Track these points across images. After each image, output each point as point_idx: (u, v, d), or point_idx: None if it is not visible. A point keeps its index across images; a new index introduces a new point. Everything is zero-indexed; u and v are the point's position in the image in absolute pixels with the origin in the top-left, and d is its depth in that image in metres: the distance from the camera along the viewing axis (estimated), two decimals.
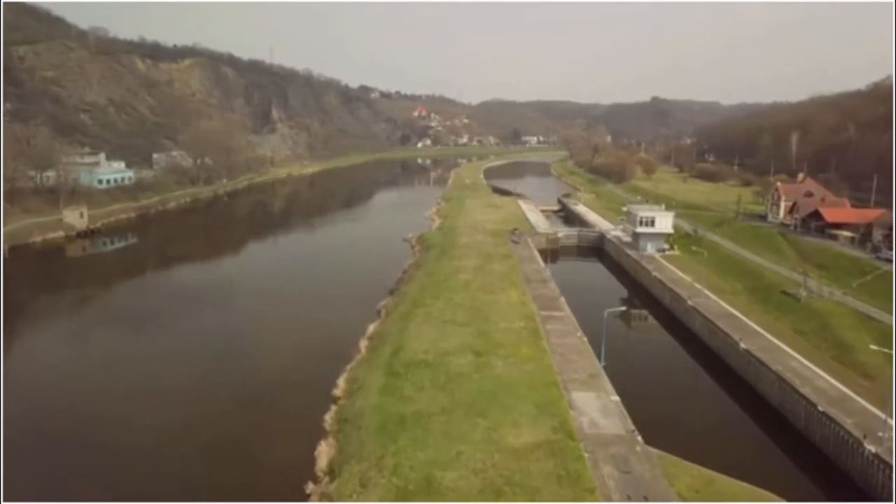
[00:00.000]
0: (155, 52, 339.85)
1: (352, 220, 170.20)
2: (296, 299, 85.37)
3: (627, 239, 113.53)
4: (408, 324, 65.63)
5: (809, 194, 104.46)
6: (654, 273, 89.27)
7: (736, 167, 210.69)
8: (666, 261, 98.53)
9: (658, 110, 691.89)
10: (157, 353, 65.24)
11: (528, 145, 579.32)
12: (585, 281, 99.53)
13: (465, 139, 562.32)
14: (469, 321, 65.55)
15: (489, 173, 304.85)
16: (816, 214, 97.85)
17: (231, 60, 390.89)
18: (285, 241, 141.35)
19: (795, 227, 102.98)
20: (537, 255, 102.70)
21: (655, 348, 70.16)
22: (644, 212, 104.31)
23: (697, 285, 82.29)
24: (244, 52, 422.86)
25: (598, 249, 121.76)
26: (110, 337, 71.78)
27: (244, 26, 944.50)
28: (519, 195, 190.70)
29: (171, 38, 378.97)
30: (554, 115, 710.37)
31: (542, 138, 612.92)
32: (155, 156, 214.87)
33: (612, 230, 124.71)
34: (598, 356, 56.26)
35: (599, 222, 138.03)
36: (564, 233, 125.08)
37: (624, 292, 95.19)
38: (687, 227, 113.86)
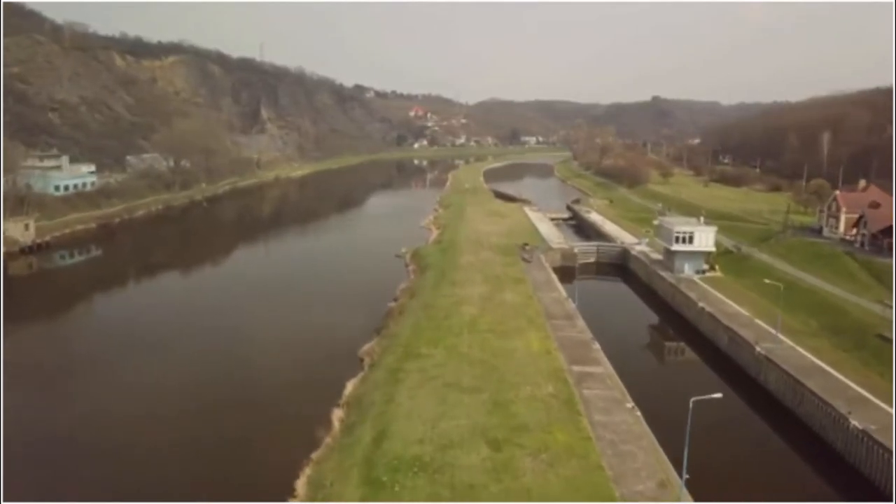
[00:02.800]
0: (137, 48, 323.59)
1: (340, 229, 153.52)
2: (260, 341, 68.63)
3: (657, 256, 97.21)
4: (397, 387, 49.09)
5: (876, 205, 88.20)
6: (701, 304, 72.82)
7: (757, 170, 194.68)
8: (709, 285, 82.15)
9: (659, 110, 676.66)
10: (51, 423, 48.54)
11: (527, 146, 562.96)
12: (612, 310, 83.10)
13: (462, 139, 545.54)
14: (479, 384, 49.06)
15: (489, 175, 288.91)
16: (891, 230, 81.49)
17: (219, 58, 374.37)
18: (261, 257, 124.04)
19: (862, 244, 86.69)
20: (555, 279, 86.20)
21: (720, 415, 53.37)
22: (681, 226, 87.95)
23: (760, 322, 66.14)
24: (240, 52, 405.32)
25: (620, 267, 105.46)
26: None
27: (240, 25, 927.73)
28: (524, 201, 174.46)
29: (165, 37, 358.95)
30: (553, 114, 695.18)
31: (541, 138, 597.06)
32: (129, 158, 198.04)
33: (636, 244, 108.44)
34: (663, 443, 40.10)
35: (618, 234, 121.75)
36: (581, 248, 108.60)
37: (663, 326, 78.97)
38: (726, 242, 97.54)
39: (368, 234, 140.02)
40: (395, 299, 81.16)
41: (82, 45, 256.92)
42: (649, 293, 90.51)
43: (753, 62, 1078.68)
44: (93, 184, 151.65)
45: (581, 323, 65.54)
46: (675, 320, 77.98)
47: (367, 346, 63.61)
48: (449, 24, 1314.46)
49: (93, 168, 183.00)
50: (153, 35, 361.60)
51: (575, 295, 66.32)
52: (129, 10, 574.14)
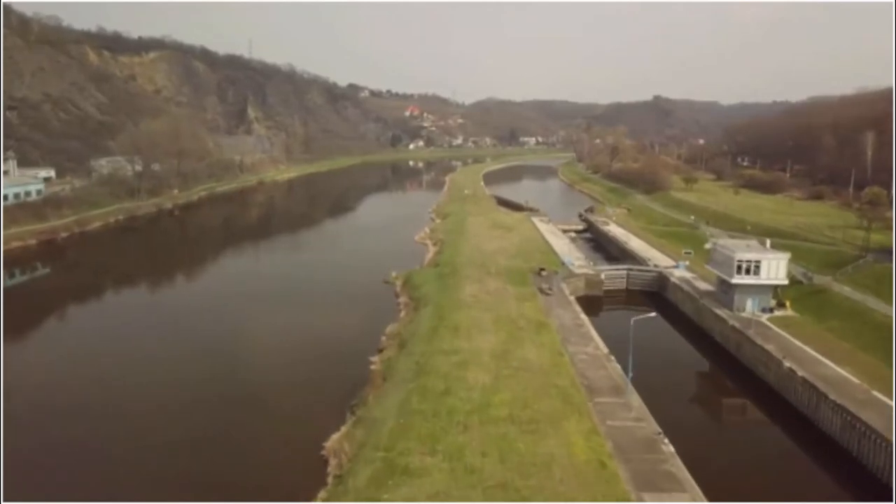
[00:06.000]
0: (115, 43, 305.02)
1: (323, 245, 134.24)
2: (194, 426, 49.57)
3: (706, 286, 78.81)
4: None
5: None
6: (788, 363, 54.16)
7: (787, 174, 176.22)
8: (784, 330, 63.62)
9: (661, 110, 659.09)
10: None
11: (526, 146, 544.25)
12: (661, 362, 62.36)
13: (459, 140, 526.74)
14: None
15: (489, 179, 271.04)
16: None
17: (204, 54, 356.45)
18: (222, 283, 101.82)
19: None
20: (586, 320, 67.52)
21: None
22: (744, 253, 69.38)
23: (881, 395, 47.76)
24: (229, 49, 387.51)
25: (655, 296, 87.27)
26: None
27: (230, 22, 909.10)
28: (532, 209, 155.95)
29: (150, 34, 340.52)
30: (552, 115, 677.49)
31: (540, 139, 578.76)
32: (94, 162, 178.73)
33: (674, 268, 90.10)
34: None
35: (647, 252, 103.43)
36: (609, 273, 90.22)
37: (732, 390, 60.25)
38: (792, 269, 78.74)
39: (354, 252, 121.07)
40: (381, 350, 62.55)
41: (51, 39, 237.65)
42: (700, 335, 71.82)
43: (753, 62, 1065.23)
44: (39, 192, 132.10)
45: (637, 401, 46.76)
46: (746, 380, 59.27)
47: (335, 438, 44.87)
48: (445, 21, 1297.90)
49: (51, 173, 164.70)
50: (139, 32, 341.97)
51: (630, 365, 46.71)
52: (115, 7, 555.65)
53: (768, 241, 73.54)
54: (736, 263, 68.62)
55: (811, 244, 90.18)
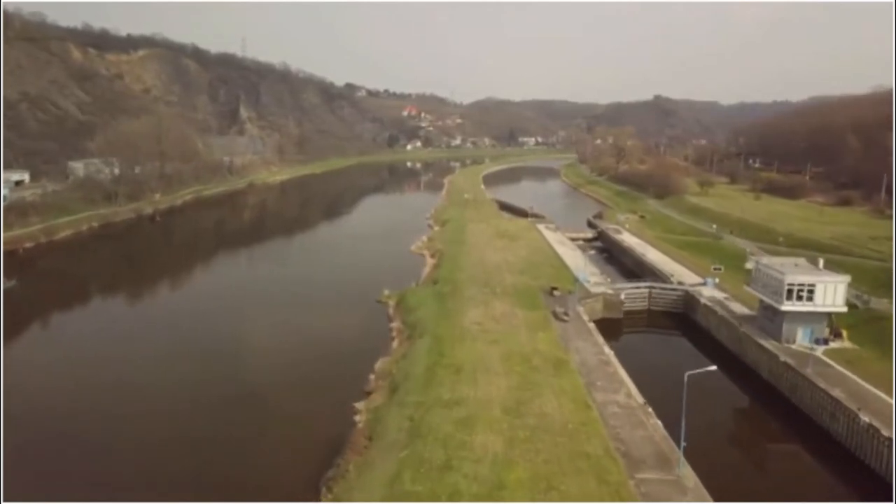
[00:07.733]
0: (102, 41, 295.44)
1: (311, 255, 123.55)
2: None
3: (744, 310, 68.76)
4: None
5: None
6: (865, 416, 44.07)
7: (807, 178, 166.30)
8: (846, 367, 53.64)
9: (662, 109, 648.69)
10: None
11: (526, 147, 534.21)
12: (700, 406, 52.26)
13: (458, 140, 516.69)
14: None
15: (489, 181, 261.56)
16: None
17: (195, 53, 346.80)
18: (196, 302, 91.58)
19: None
20: (612, 355, 57.22)
21: None
22: (796, 275, 59.25)
23: None
24: (222, 48, 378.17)
25: (681, 317, 77.51)
26: None
27: (225, 22, 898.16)
28: (536, 215, 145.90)
29: (142, 33, 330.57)
30: (552, 115, 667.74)
31: (540, 139, 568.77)
32: (72, 164, 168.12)
33: (702, 286, 79.99)
34: None
35: (666, 265, 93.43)
36: (629, 292, 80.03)
37: (793, 446, 49.82)
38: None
39: (346, 263, 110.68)
40: (368, 394, 52.37)
41: (31, 35, 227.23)
42: (741, 370, 61.49)
43: (753, 62, 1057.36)
44: (3, 198, 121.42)
45: (692, 478, 36.46)
46: (806, 431, 49.18)
47: None
48: (444, 21, 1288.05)
49: (25, 176, 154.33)
50: (130, 30, 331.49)
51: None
52: (108, 6, 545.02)
53: (821, 261, 63.35)
54: (786, 287, 58.52)
55: (857, 259, 79.98)
